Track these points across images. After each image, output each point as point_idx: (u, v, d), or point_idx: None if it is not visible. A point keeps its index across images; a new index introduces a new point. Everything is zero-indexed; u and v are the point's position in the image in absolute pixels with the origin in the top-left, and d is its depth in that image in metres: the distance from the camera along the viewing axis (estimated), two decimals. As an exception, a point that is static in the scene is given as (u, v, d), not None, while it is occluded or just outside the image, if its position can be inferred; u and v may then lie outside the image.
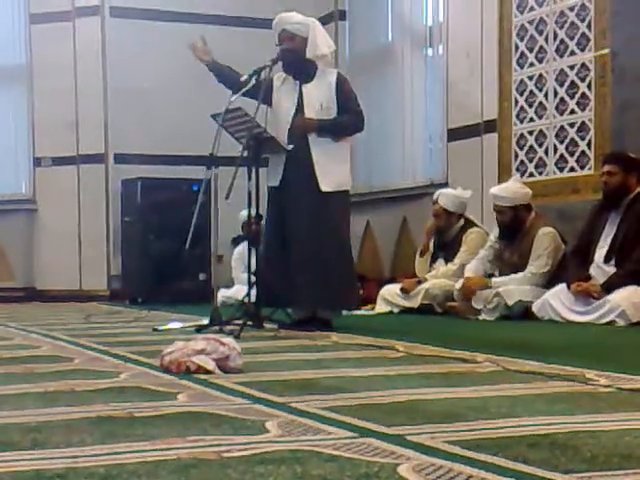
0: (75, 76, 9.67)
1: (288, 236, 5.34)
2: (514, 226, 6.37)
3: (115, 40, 9.64)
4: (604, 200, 5.92)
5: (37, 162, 9.84)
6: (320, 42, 5.43)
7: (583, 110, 6.74)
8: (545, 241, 6.27)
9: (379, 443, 1.92)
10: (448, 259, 7.06)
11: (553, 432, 2.02)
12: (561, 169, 6.95)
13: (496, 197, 6.45)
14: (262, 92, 5.16)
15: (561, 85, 6.93)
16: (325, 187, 5.28)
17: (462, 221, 7.07)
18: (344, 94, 5.38)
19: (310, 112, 5.34)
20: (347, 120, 5.37)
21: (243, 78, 5.27)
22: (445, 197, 7.07)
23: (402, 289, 7.00)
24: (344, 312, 5.69)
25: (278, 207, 5.40)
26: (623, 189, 5.81)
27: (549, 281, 6.19)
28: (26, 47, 9.85)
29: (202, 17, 9.83)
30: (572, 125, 6.84)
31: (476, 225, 7.06)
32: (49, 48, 9.63)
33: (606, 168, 5.88)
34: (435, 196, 7.15)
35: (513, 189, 6.43)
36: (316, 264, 5.25)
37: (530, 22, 7.19)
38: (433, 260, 7.20)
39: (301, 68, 5.41)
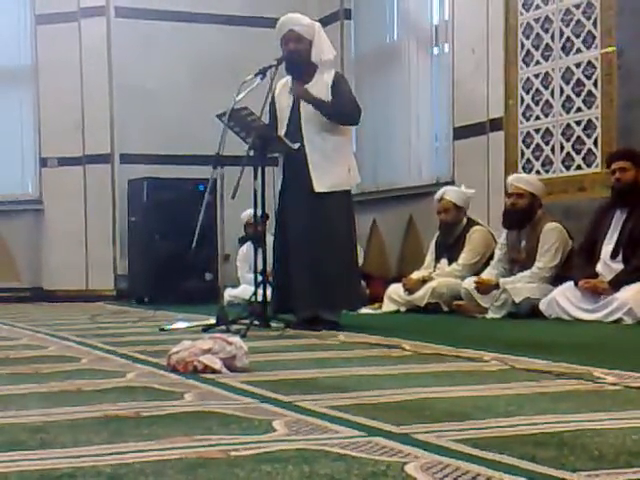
0: (81, 76, 9.67)
1: (289, 238, 5.35)
2: (525, 214, 6.38)
3: (120, 40, 9.65)
4: (616, 197, 5.87)
5: (43, 162, 9.86)
6: (325, 47, 5.45)
7: (589, 108, 6.73)
8: (552, 236, 6.28)
9: (386, 442, 1.91)
10: (452, 259, 7.05)
11: (560, 430, 2.02)
12: (567, 167, 6.93)
13: (520, 180, 6.52)
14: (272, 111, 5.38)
15: (567, 83, 6.91)
16: (319, 188, 5.27)
17: (465, 220, 7.08)
18: (340, 92, 5.36)
19: (304, 112, 5.34)
20: (345, 106, 5.33)
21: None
22: (453, 192, 7.10)
23: (404, 285, 6.99)
24: (349, 312, 5.69)
25: (281, 209, 5.42)
26: (635, 185, 5.79)
27: (556, 277, 6.18)
28: (32, 48, 9.86)
29: (207, 17, 9.85)
30: (578, 123, 6.82)
31: (479, 223, 7.06)
32: (55, 49, 9.64)
33: (619, 164, 5.84)
34: (439, 194, 7.13)
35: (537, 179, 6.62)
36: (313, 266, 5.25)
37: (536, 20, 7.17)
38: (437, 260, 7.20)
39: (303, 70, 5.41)
